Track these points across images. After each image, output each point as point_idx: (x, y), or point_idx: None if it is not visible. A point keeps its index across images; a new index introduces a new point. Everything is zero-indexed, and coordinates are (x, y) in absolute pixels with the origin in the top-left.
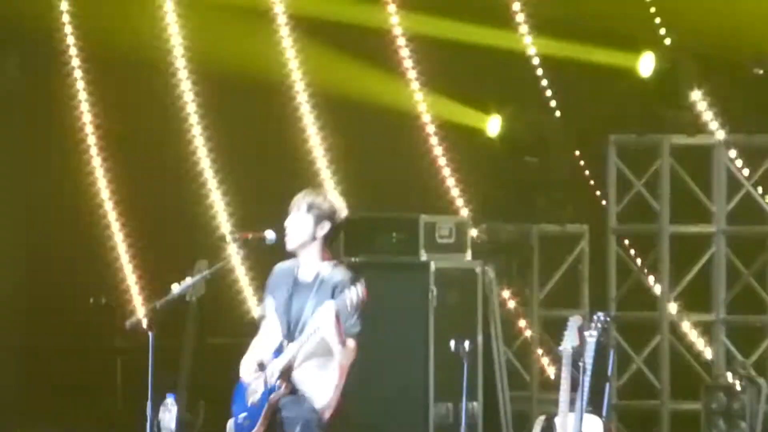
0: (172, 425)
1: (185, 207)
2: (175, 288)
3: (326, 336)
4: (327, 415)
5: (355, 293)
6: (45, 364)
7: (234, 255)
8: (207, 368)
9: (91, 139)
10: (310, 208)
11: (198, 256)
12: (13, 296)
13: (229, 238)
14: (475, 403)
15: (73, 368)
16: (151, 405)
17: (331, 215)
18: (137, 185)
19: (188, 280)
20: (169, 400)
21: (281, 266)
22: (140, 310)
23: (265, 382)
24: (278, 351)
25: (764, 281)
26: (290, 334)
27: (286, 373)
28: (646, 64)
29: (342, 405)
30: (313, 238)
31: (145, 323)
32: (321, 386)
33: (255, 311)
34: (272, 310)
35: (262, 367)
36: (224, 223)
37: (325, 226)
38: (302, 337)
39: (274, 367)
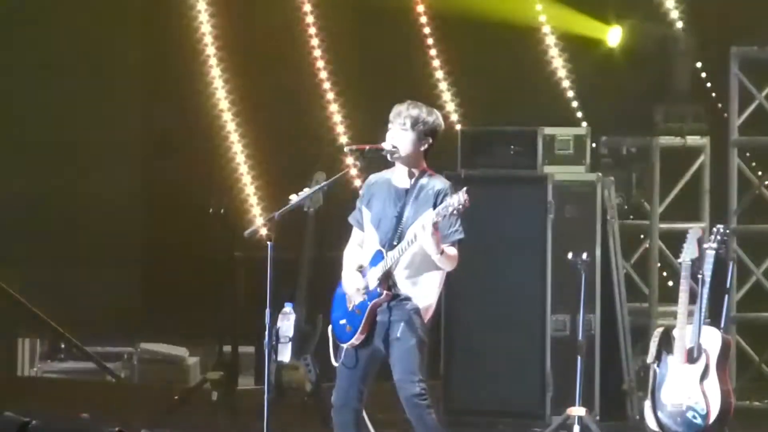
0: (290, 333)
1: (304, 118)
2: (294, 199)
3: (423, 245)
4: (428, 315)
5: (457, 200)
6: (164, 274)
7: (352, 166)
8: (325, 281)
9: (210, 51)
10: (415, 123)
11: (316, 167)
12: (130, 207)
13: (347, 149)
14: (592, 316)
15: (191, 278)
16: (270, 313)
17: (433, 130)
18: (256, 97)
19: (306, 191)
20: (288, 309)
21: (376, 177)
22: (258, 220)
23: (366, 288)
24: (376, 258)
25: None
26: (389, 241)
27: (385, 280)
28: None
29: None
30: (416, 152)
31: (263, 233)
32: (422, 290)
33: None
34: (368, 220)
35: (362, 272)
36: (342, 135)
37: (428, 141)
38: (401, 245)
39: (374, 274)
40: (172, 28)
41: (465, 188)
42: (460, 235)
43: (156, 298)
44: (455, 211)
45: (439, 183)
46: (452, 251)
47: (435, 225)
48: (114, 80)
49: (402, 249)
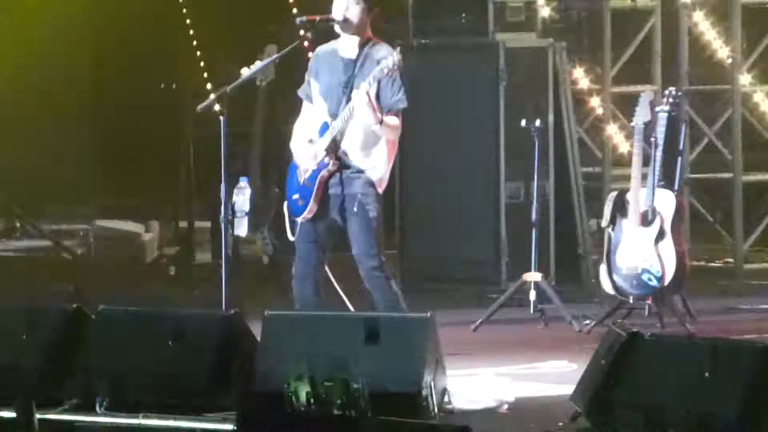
0: (246, 207)
1: None
2: (245, 72)
3: (360, 114)
4: (382, 187)
5: (391, 62)
6: (118, 152)
7: (303, 39)
8: (278, 154)
9: None
10: None
11: (267, 41)
12: (82, 81)
13: (297, 21)
14: (546, 182)
15: (146, 155)
16: (225, 188)
17: None
18: None
19: (257, 64)
20: (243, 183)
21: (323, 48)
22: (211, 95)
23: (314, 159)
24: (323, 129)
25: None
26: (337, 112)
27: (332, 150)
28: None
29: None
30: (366, 22)
31: (216, 107)
32: (373, 161)
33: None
34: (317, 93)
35: (311, 145)
36: (292, 7)
37: (373, 9)
38: (343, 113)
39: (321, 146)
40: None
41: (398, 49)
42: (402, 104)
43: (111, 175)
44: (390, 74)
45: (383, 50)
46: (393, 120)
47: (369, 92)
48: None
49: (344, 117)
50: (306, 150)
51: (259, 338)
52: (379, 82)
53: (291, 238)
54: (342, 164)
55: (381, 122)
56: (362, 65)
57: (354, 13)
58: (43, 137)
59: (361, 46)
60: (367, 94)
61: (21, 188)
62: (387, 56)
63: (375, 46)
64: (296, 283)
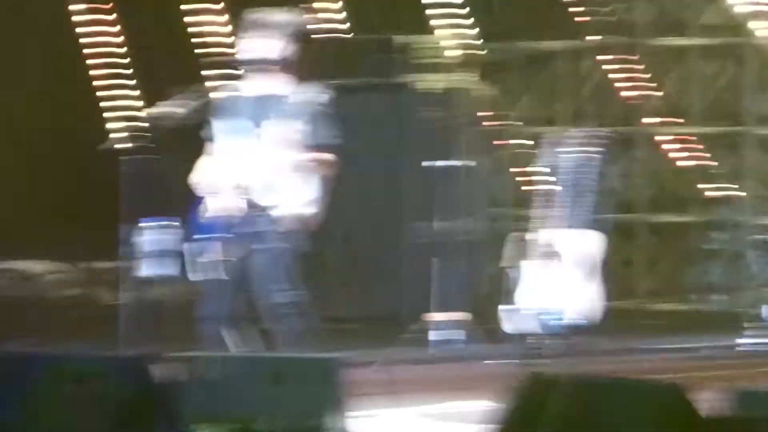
0: (161, 246)
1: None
2: (155, 111)
3: (273, 154)
4: (295, 225)
5: (307, 99)
6: (45, 190)
7: (221, 78)
8: (188, 194)
9: None
10: (285, 31)
11: (189, 81)
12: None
13: (217, 59)
14: (451, 222)
15: (72, 191)
16: (125, 228)
17: (299, 35)
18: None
19: (175, 103)
20: (148, 223)
21: (235, 87)
22: (111, 135)
23: (223, 200)
24: (234, 169)
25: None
26: (249, 151)
27: (242, 190)
28: None
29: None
30: (285, 59)
31: (123, 146)
32: (281, 198)
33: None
34: (226, 132)
35: (219, 185)
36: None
37: (288, 46)
38: (256, 153)
39: (230, 184)
40: None
41: (317, 86)
42: (335, 140)
43: (12, 212)
44: (308, 110)
45: (298, 88)
46: (327, 157)
47: (283, 130)
48: None
49: (258, 158)
50: (215, 189)
51: (161, 381)
52: (295, 119)
53: (194, 278)
54: (250, 203)
55: (297, 159)
56: (276, 102)
57: (275, 52)
58: None
59: (277, 83)
60: (280, 131)
61: None
62: (303, 93)
63: (290, 83)
64: (206, 324)
